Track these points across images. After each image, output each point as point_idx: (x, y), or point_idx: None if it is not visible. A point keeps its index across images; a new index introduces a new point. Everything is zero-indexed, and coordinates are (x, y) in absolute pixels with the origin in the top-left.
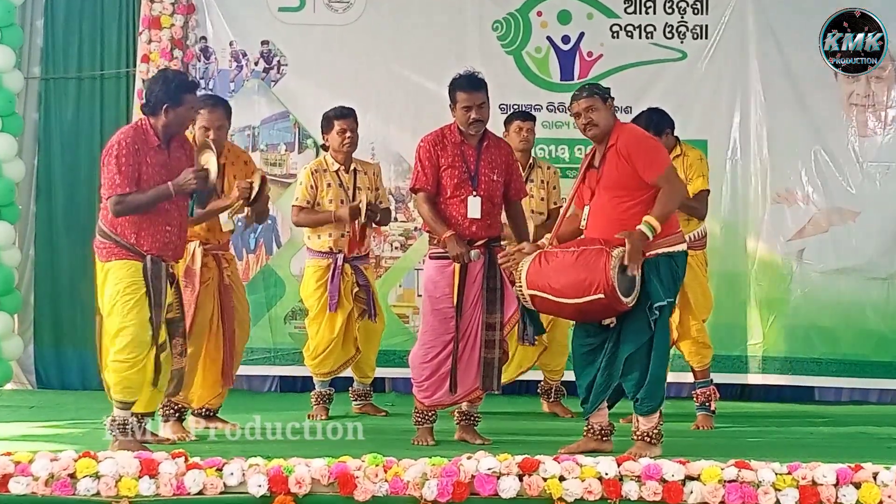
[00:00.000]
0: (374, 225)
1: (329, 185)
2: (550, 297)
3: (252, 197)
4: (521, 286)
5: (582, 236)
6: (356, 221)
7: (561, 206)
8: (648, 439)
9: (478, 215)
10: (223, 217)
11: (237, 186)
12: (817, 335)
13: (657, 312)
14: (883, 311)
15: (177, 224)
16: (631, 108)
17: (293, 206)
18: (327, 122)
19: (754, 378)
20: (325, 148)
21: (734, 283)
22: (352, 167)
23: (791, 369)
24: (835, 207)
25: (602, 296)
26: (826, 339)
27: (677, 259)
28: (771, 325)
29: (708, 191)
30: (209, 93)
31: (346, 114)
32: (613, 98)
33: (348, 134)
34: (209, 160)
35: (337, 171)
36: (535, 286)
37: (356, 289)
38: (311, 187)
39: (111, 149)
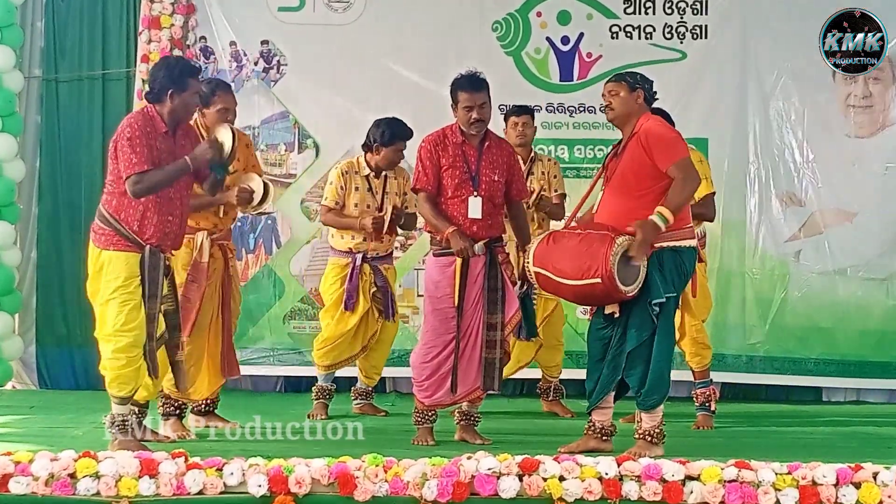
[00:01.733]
0: (398, 229)
1: (357, 188)
2: (552, 276)
3: (254, 202)
4: (528, 262)
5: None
6: (378, 233)
7: (563, 197)
8: (650, 438)
9: (478, 215)
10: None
11: (237, 192)
12: (815, 335)
13: (656, 308)
14: (882, 311)
15: (178, 214)
16: None
17: (322, 205)
18: (391, 138)
19: (752, 377)
20: (367, 149)
21: (732, 282)
22: (383, 172)
23: (789, 369)
24: (832, 208)
25: (599, 281)
26: (824, 339)
27: (684, 254)
28: (768, 325)
29: (713, 193)
30: (215, 77)
31: (411, 135)
32: (647, 92)
33: (402, 154)
34: (223, 133)
35: (367, 176)
36: (540, 264)
37: (373, 289)
38: (342, 188)
39: (122, 132)
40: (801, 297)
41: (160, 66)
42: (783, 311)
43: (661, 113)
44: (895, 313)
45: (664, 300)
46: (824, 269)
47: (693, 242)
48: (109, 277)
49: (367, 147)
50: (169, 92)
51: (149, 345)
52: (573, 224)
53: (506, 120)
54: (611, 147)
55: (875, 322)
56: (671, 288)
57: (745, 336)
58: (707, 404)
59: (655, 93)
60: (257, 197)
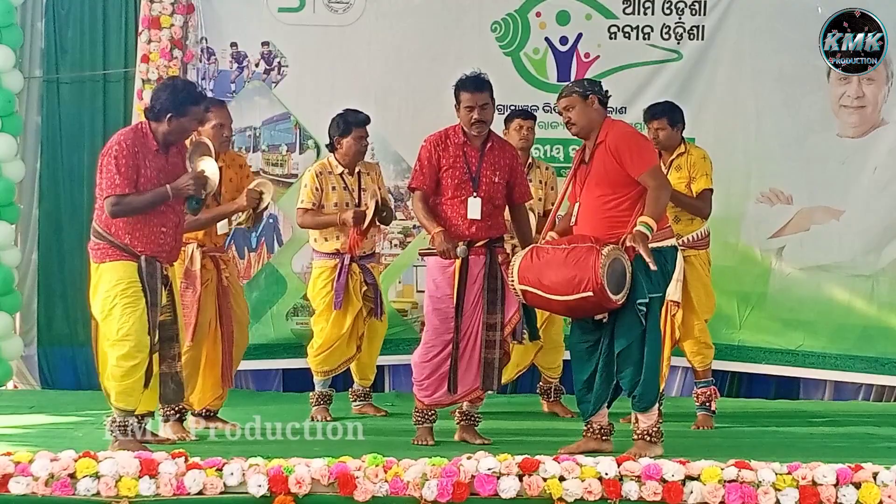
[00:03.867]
0: (377, 223)
1: (334, 187)
2: (541, 293)
3: (260, 207)
4: (513, 280)
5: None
6: (358, 227)
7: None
8: (649, 438)
9: (478, 216)
10: (220, 223)
11: (246, 195)
12: (796, 328)
13: (643, 309)
14: (866, 307)
15: (172, 226)
16: (626, 108)
17: (298, 208)
18: (346, 127)
19: (732, 365)
20: (331, 148)
21: (714, 276)
22: (356, 169)
23: (767, 359)
24: (820, 206)
25: (591, 294)
26: (805, 333)
27: (666, 254)
28: (748, 318)
29: (711, 189)
30: (211, 96)
31: (366, 121)
32: (600, 94)
33: (364, 141)
34: (209, 166)
35: (341, 174)
36: (526, 281)
37: (364, 287)
38: (317, 189)
39: (110, 149)
40: (782, 292)
41: (166, 87)
42: (763, 304)
43: (677, 107)
44: (879, 310)
45: (647, 300)
46: (807, 265)
47: (672, 241)
48: (109, 286)
49: (330, 147)
50: (168, 116)
51: (150, 352)
52: (551, 235)
53: (508, 121)
54: (574, 154)
55: (858, 317)
56: (655, 288)
57: (725, 327)
58: (707, 404)
59: (608, 92)
60: (266, 198)
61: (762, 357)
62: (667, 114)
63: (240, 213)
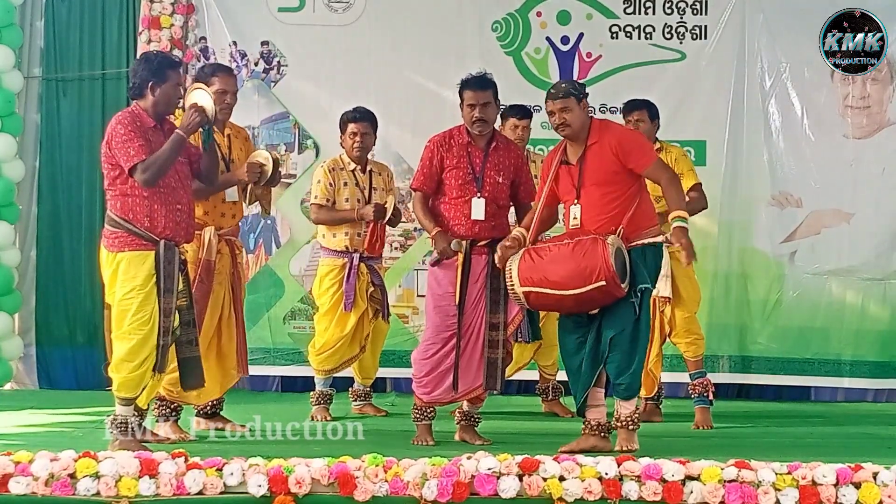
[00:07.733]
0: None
1: (346, 183)
2: (548, 290)
3: (262, 181)
4: (513, 285)
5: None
6: (378, 222)
7: None
8: (631, 426)
9: (481, 217)
10: (229, 191)
11: (247, 168)
12: (811, 335)
13: (639, 295)
14: (880, 311)
15: (186, 203)
16: None
17: (312, 203)
18: (342, 124)
19: (748, 378)
20: (342, 145)
21: (729, 283)
22: (367, 168)
23: (784, 369)
24: (829, 209)
25: (603, 283)
26: (820, 340)
27: (658, 249)
28: (764, 326)
29: (700, 183)
30: (219, 63)
31: (359, 118)
32: (587, 94)
33: (358, 138)
34: (199, 96)
35: (353, 171)
36: (530, 282)
37: (371, 288)
38: (330, 185)
39: (115, 129)
40: (797, 298)
41: (140, 61)
42: (779, 311)
43: (648, 102)
44: (892, 313)
45: (647, 287)
46: (819, 270)
47: (660, 238)
48: (126, 278)
49: (341, 144)
50: (149, 84)
51: (163, 339)
52: (519, 231)
53: (504, 119)
54: (548, 155)
55: (872, 322)
56: (651, 280)
57: (742, 337)
58: (705, 394)
59: (587, 94)
60: (267, 169)
61: (780, 368)
62: (646, 106)
63: (257, 200)
